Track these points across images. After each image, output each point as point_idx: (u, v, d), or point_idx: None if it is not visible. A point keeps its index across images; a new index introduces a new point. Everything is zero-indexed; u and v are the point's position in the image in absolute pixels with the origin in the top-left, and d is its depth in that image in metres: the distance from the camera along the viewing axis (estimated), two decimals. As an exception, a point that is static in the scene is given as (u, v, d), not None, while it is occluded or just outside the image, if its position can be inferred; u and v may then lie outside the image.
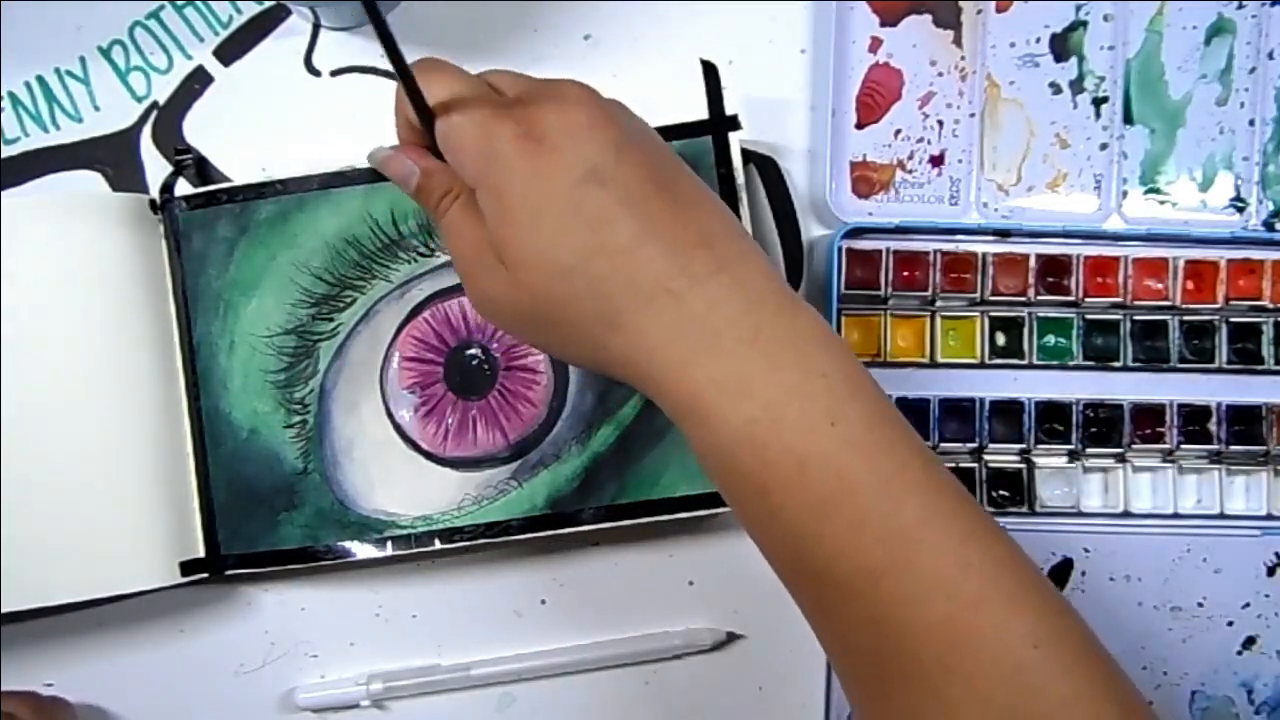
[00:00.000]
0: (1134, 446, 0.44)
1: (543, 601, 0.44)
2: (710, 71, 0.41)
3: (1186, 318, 0.44)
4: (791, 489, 0.29)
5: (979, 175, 0.44)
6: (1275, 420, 0.44)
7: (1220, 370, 0.44)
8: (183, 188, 0.42)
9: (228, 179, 0.43)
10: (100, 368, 0.40)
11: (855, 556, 0.28)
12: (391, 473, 0.41)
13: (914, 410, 0.43)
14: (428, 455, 0.41)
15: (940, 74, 0.44)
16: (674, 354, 0.30)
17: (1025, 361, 0.44)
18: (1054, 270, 0.44)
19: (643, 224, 0.29)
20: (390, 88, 0.44)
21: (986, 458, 0.44)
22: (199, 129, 0.44)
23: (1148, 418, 0.44)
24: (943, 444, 0.43)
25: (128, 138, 0.43)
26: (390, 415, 0.41)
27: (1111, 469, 0.44)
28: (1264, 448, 0.44)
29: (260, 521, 0.41)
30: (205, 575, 0.41)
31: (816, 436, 0.29)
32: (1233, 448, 0.44)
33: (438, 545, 0.41)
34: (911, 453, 0.29)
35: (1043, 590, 0.29)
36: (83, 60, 0.43)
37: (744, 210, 0.41)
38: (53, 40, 0.43)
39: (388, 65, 0.44)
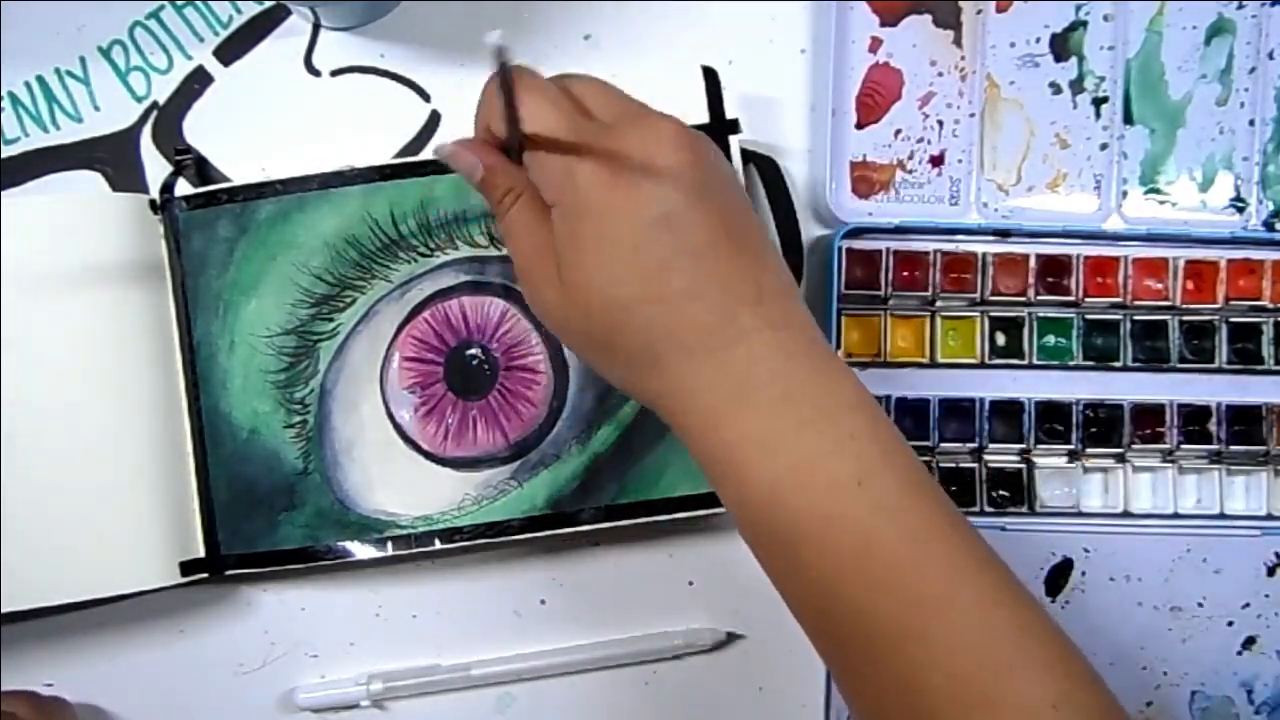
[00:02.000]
0: (1134, 446, 0.44)
1: (543, 601, 0.44)
2: (710, 76, 0.41)
3: (1186, 318, 0.44)
4: (818, 549, 0.29)
5: (979, 175, 0.44)
6: (1275, 420, 0.44)
7: (1220, 370, 0.44)
8: (183, 188, 0.42)
9: (228, 179, 0.43)
10: (100, 368, 0.40)
11: (881, 619, 0.29)
12: (391, 473, 0.41)
13: (914, 410, 0.43)
14: (428, 455, 0.41)
15: (940, 74, 0.44)
16: (709, 404, 0.30)
17: (1025, 361, 0.44)
18: (1054, 270, 0.44)
19: (701, 276, 0.30)
20: (390, 88, 0.44)
21: (986, 458, 0.44)
22: (199, 129, 0.44)
23: (1148, 418, 0.44)
24: (943, 444, 0.43)
25: (128, 138, 0.43)
26: (390, 415, 0.41)
27: (1111, 469, 0.44)
28: (1264, 448, 0.44)
29: (260, 521, 0.41)
30: (205, 575, 0.41)
31: (843, 498, 0.29)
32: (1233, 448, 0.44)
33: (438, 545, 0.41)
34: (940, 516, 0.30)
35: (1066, 654, 0.29)
36: (83, 60, 0.43)
37: (744, 210, 0.41)
38: (53, 40, 0.43)
39: (388, 65, 0.44)
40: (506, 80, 0.29)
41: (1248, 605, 0.43)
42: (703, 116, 0.41)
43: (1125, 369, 0.44)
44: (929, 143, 0.44)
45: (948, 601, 0.28)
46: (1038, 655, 0.28)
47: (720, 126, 0.41)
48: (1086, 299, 0.44)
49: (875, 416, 0.30)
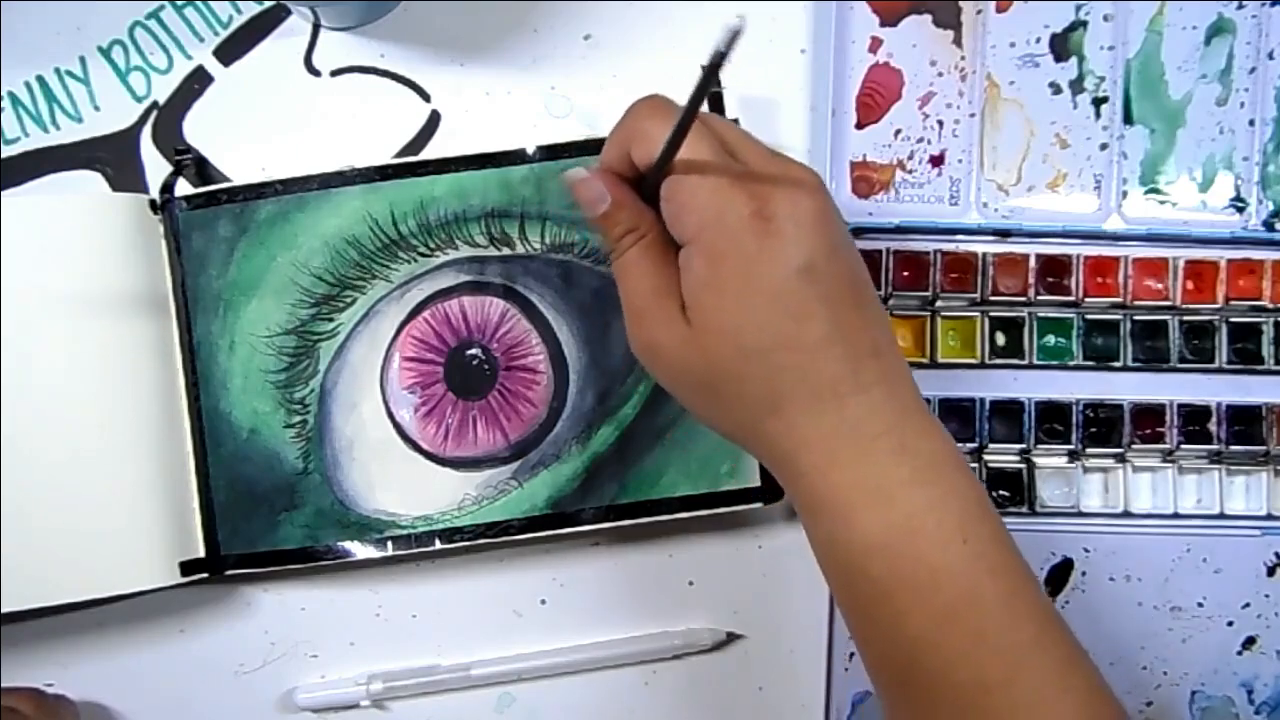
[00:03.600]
0: (1134, 446, 0.44)
1: (543, 601, 0.44)
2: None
3: (1186, 318, 0.44)
4: (919, 597, 0.30)
5: (979, 175, 0.44)
6: (1275, 420, 0.44)
7: (1220, 370, 0.44)
8: (183, 188, 0.42)
9: (228, 179, 0.43)
10: (100, 368, 0.40)
11: (971, 667, 0.30)
12: (392, 473, 0.41)
13: (914, 410, 0.43)
14: (428, 455, 0.41)
15: (940, 74, 0.44)
16: (825, 451, 0.31)
17: (1025, 361, 0.44)
18: (1054, 270, 0.44)
19: (835, 326, 0.30)
20: (390, 88, 0.44)
21: (986, 458, 0.44)
22: (199, 129, 0.44)
23: (1148, 418, 0.44)
24: (943, 444, 0.43)
25: (128, 138, 0.43)
26: (390, 415, 0.41)
27: (1111, 469, 0.44)
28: (1264, 448, 0.44)
29: (260, 521, 0.41)
30: (205, 575, 0.41)
31: (950, 550, 0.30)
32: (1233, 448, 0.44)
33: (438, 545, 0.41)
34: (1027, 576, 0.31)
35: (1123, 715, 0.31)
36: (83, 60, 0.43)
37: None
38: (53, 40, 0.43)
39: (388, 65, 0.44)
40: (713, 76, 0.27)
41: (1248, 605, 0.43)
42: (703, 116, 0.41)
43: (1125, 369, 0.44)
44: (929, 143, 0.44)
45: (1032, 655, 0.30)
46: (1102, 714, 0.31)
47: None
48: (1086, 299, 0.44)
49: (970, 474, 0.32)
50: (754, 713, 0.44)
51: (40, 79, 0.43)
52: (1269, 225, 0.44)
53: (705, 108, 0.41)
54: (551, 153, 0.41)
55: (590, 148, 0.41)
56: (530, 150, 0.41)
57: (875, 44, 0.44)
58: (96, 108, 0.44)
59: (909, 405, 0.32)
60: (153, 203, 0.41)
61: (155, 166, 0.43)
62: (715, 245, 0.30)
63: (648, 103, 0.33)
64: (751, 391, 0.31)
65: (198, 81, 0.44)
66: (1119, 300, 0.44)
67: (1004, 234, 0.44)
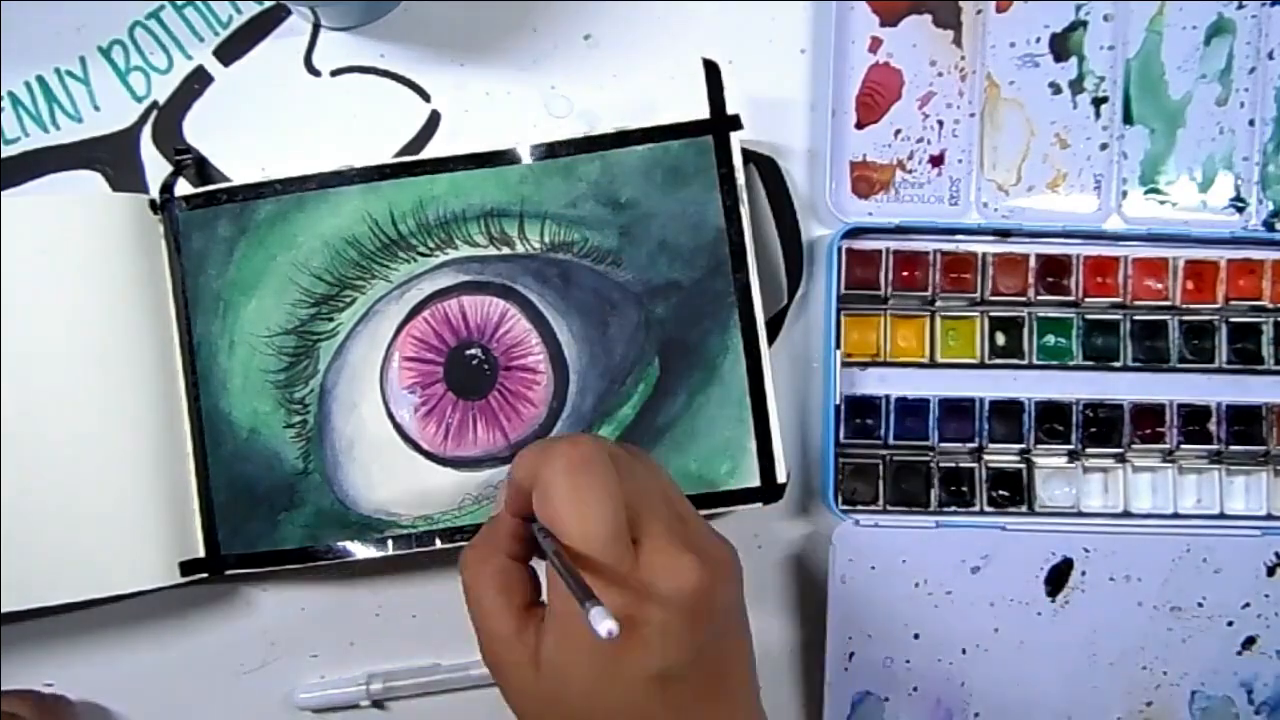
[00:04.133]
0: (1134, 446, 0.44)
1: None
2: (712, 70, 0.41)
3: (1186, 318, 0.44)
4: None
5: (979, 175, 0.44)
6: (1275, 420, 0.44)
7: (1220, 370, 0.44)
8: (183, 188, 0.42)
9: (228, 179, 0.43)
10: (100, 368, 0.40)
11: None
12: (392, 473, 0.41)
13: (914, 410, 0.43)
14: (428, 455, 0.41)
15: (940, 74, 0.44)
16: None
17: (1025, 361, 0.44)
18: (1054, 270, 0.44)
19: None
20: (390, 88, 0.44)
21: (986, 458, 0.44)
22: (199, 129, 0.44)
23: (1148, 418, 0.44)
24: (943, 444, 0.43)
25: (128, 138, 0.43)
26: (390, 415, 0.41)
27: (1111, 469, 0.44)
28: (1264, 448, 0.44)
29: (260, 521, 0.41)
30: (205, 575, 0.41)
31: None
32: (1233, 448, 0.44)
33: (438, 545, 0.41)
34: None
35: None
36: (83, 60, 0.43)
37: (744, 210, 0.41)
38: (53, 40, 0.43)
39: (388, 65, 0.44)
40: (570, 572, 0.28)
41: (1248, 605, 0.43)
42: (703, 113, 0.41)
43: (1125, 369, 0.44)
44: (929, 143, 0.44)
45: None
46: None
47: (721, 123, 0.41)
48: (1086, 299, 0.44)
49: None
50: (754, 713, 0.44)
51: (40, 79, 0.43)
52: (1269, 225, 0.44)
53: (705, 109, 0.41)
54: (551, 151, 0.41)
55: (589, 146, 0.41)
56: (525, 149, 0.41)
57: (875, 44, 0.44)
58: (96, 108, 0.44)
59: None
60: (153, 203, 0.41)
61: (155, 166, 0.43)
62: (574, 636, 0.30)
63: (568, 459, 0.31)
64: None
65: (198, 81, 0.44)
66: (1119, 300, 0.44)
67: (1004, 234, 0.44)
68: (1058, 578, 0.43)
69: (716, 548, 0.32)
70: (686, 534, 0.32)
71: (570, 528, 0.29)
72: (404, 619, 0.43)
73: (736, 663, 0.32)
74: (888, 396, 0.43)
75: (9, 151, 0.43)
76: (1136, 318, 0.44)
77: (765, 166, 0.44)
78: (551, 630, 0.30)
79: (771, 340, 0.43)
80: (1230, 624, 0.43)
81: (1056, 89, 0.44)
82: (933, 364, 0.44)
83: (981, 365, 0.44)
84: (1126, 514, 0.44)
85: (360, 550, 0.41)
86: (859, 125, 0.44)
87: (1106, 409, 0.44)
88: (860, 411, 0.43)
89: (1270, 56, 0.44)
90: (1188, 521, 0.44)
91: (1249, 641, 0.44)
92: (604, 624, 0.25)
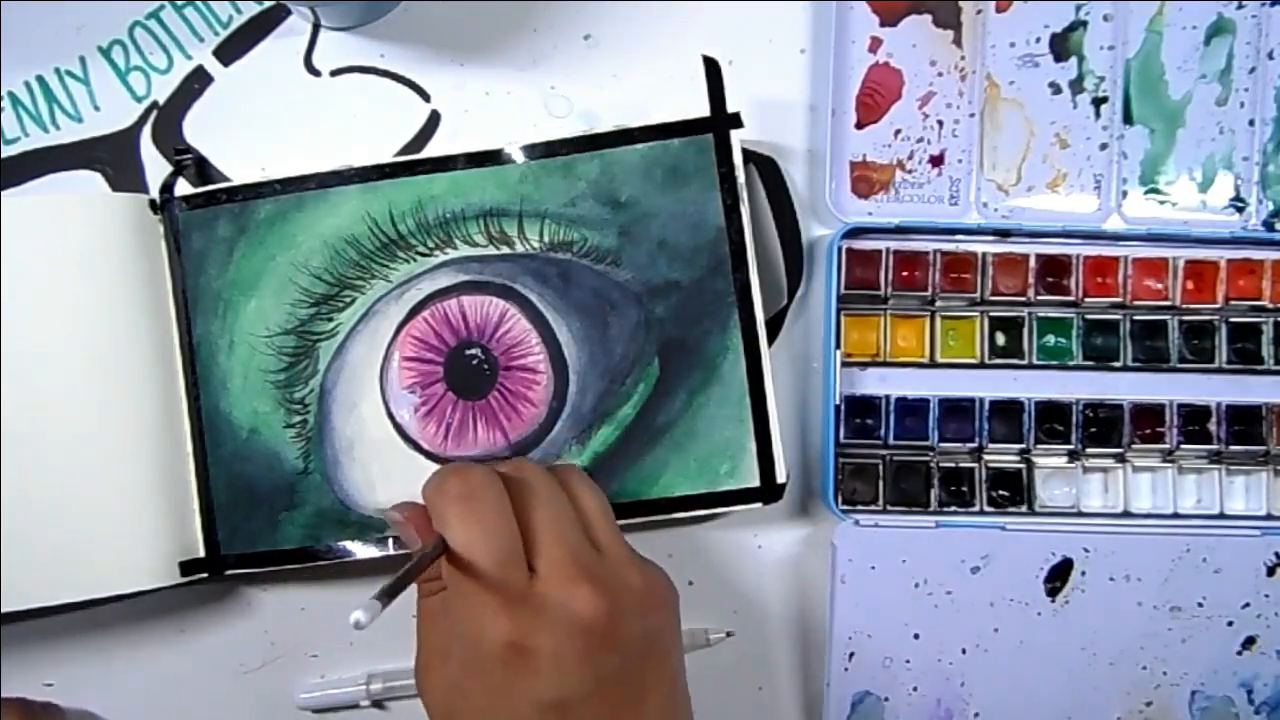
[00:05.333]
0: (1134, 446, 0.44)
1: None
2: (712, 68, 0.41)
3: (1186, 318, 0.44)
4: None
5: (979, 175, 0.44)
6: (1275, 420, 0.44)
7: (1220, 370, 0.44)
8: (183, 188, 0.42)
9: (228, 179, 0.43)
10: (100, 368, 0.40)
11: None
12: (392, 473, 0.41)
13: (914, 410, 0.43)
14: (428, 455, 0.41)
15: (940, 74, 0.44)
16: None
17: (1025, 361, 0.44)
18: (1054, 270, 0.44)
19: None
20: (390, 88, 0.44)
21: (986, 458, 0.44)
22: (199, 129, 0.44)
23: (1148, 418, 0.44)
24: (943, 444, 0.43)
25: (128, 138, 0.43)
26: (390, 415, 0.41)
27: (1111, 469, 0.44)
28: (1264, 448, 0.44)
29: (260, 521, 0.41)
30: (205, 575, 0.41)
31: None
32: (1233, 448, 0.44)
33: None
34: None
35: None
36: (83, 60, 0.43)
37: (744, 210, 0.41)
38: (53, 40, 0.43)
39: (387, 65, 0.44)
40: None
41: (1248, 605, 0.43)
42: (704, 111, 0.41)
43: (1125, 369, 0.44)
44: (929, 143, 0.44)
45: None
46: None
47: (721, 121, 0.41)
48: (1086, 299, 0.44)
49: None
50: (754, 712, 0.44)
51: (40, 79, 0.43)
52: (1269, 225, 0.44)
53: (705, 109, 0.41)
54: (550, 150, 0.41)
55: (589, 145, 0.41)
56: (524, 149, 0.41)
57: (875, 44, 0.44)
58: (96, 108, 0.44)
59: None
60: (152, 203, 0.41)
61: (155, 166, 0.43)
62: (469, 661, 0.30)
63: (457, 489, 0.31)
64: None
65: (198, 81, 0.44)
66: (1119, 300, 0.44)
67: (1004, 234, 0.44)
68: (1058, 578, 0.43)
69: (636, 578, 0.32)
70: (597, 563, 0.32)
71: (459, 550, 0.30)
72: (404, 619, 0.43)
73: (653, 692, 0.32)
74: (888, 396, 0.43)
75: (9, 151, 0.43)
76: (1136, 318, 0.44)
77: (765, 166, 0.44)
78: (456, 654, 0.31)
79: (771, 340, 0.43)
80: (1230, 624, 0.43)
81: (1056, 89, 0.44)
82: (933, 364, 0.44)
83: (981, 365, 0.44)
84: (1126, 514, 0.44)
85: (360, 550, 0.41)
86: (859, 125, 0.44)
87: (1106, 409, 0.44)
88: (860, 411, 0.43)
89: (1270, 56, 0.44)
90: (1188, 521, 0.44)
91: (1249, 641, 0.44)
92: (354, 614, 0.26)
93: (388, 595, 0.27)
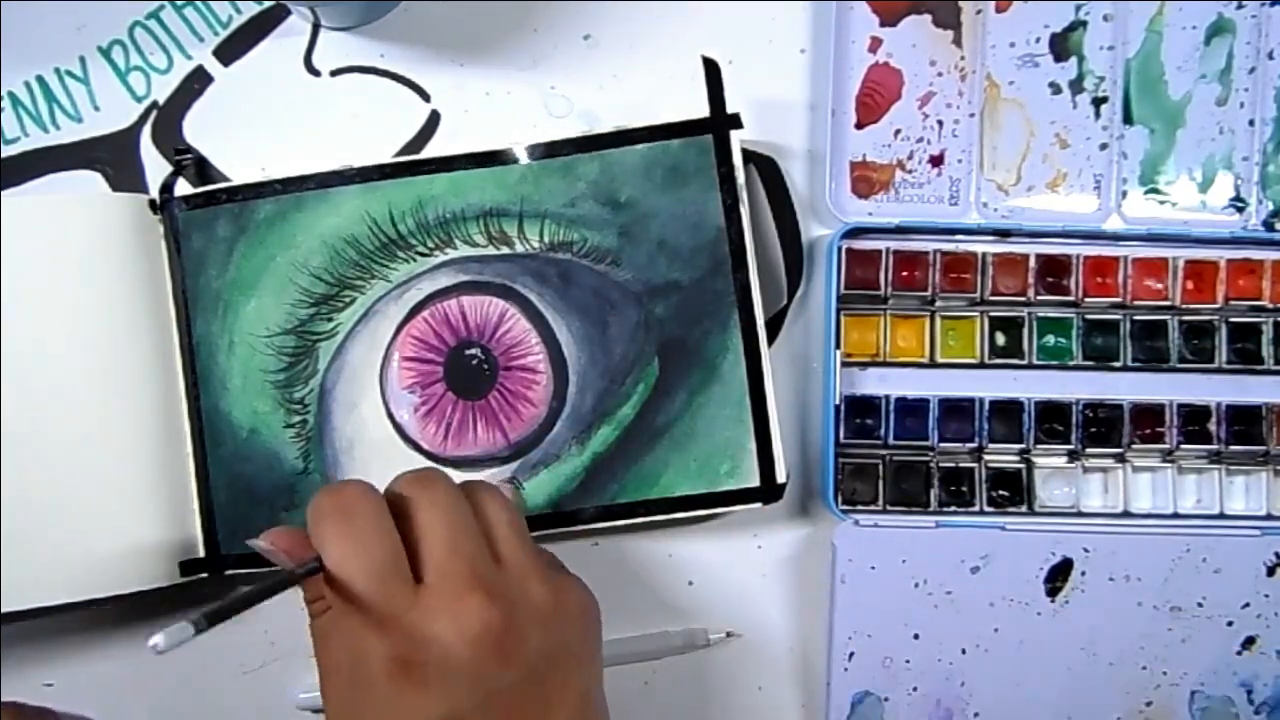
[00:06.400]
0: (1134, 446, 0.44)
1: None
2: (712, 68, 0.41)
3: (1186, 318, 0.44)
4: None
5: (979, 175, 0.44)
6: (1275, 420, 0.44)
7: (1220, 370, 0.44)
8: (182, 188, 0.42)
9: (227, 179, 0.43)
10: (100, 368, 0.40)
11: None
12: (392, 472, 0.41)
13: (914, 410, 0.43)
14: (428, 455, 0.41)
15: (940, 74, 0.44)
16: None
17: (1025, 361, 0.44)
18: (1054, 270, 0.44)
19: None
20: (390, 88, 0.44)
21: (986, 458, 0.44)
22: (199, 129, 0.44)
23: (1148, 418, 0.44)
24: (943, 444, 0.43)
25: (128, 138, 0.44)
26: (390, 415, 0.41)
27: (1111, 469, 0.44)
28: (1264, 448, 0.44)
29: (260, 521, 0.41)
30: (205, 575, 0.41)
31: None
32: (1233, 448, 0.44)
33: (437, 545, 0.41)
34: None
35: None
36: (83, 60, 0.43)
37: (744, 210, 0.41)
38: (53, 40, 0.43)
39: (388, 65, 0.44)
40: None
41: (1248, 605, 0.43)
42: (703, 113, 0.41)
43: (1125, 369, 0.44)
44: (929, 143, 0.44)
45: None
46: None
47: (721, 121, 0.41)
48: (1086, 299, 0.44)
49: None
50: (754, 712, 0.44)
51: (40, 79, 0.43)
52: (1269, 225, 0.44)
53: (705, 109, 0.41)
54: (550, 151, 0.41)
55: (589, 146, 0.41)
56: (524, 149, 0.41)
57: (875, 44, 0.44)
58: (96, 108, 0.44)
59: None
60: (152, 203, 0.41)
61: (155, 166, 0.43)
62: (357, 680, 0.29)
63: (332, 505, 0.31)
64: None
65: (197, 81, 0.44)
66: (1119, 300, 0.44)
67: (1004, 234, 0.44)
68: (1058, 578, 0.43)
69: (540, 590, 0.31)
70: (493, 573, 0.31)
71: (333, 569, 0.30)
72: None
73: (558, 709, 0.31)
74: (887, 396, 0.43)
75: (9, 151, 0.43)
76: (1136, 318, 0.44)
77: (765, 166, 0.44)
78: (345, 674, 0.30)
79: (771, 340, 0.43)
80: (1230, 624, 0.43)
81: (1056, 89, 0.44)
82: (933, 364, 0.44)
83: (981, 365, 0.44)
84: (1126, 514, 0.44)
85: (360, 550, 0.41)
86: (859, 125, 0.44)
87: (1106, 409, 0.44)
88: (860, 411, 0.43)
89: (1270, 56, 0.44)
90: (1188, 521, 0.44)
91: (1249, 641, 0.44)
92: (153, 638, 0.26)
93: (211, 618, 0.26)
